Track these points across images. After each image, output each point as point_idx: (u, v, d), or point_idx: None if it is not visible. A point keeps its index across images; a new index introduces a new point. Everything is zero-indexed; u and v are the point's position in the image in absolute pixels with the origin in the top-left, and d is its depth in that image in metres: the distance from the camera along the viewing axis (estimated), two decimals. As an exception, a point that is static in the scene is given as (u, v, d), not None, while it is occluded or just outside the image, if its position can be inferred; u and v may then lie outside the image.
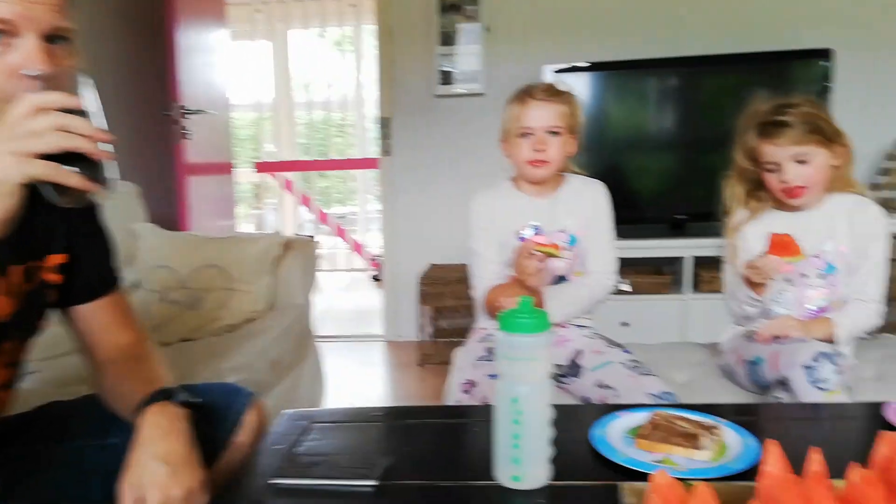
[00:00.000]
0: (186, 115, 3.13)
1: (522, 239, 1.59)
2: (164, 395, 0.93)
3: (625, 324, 2.86)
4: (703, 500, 0.64)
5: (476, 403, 1.39)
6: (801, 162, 1.46)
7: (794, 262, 1.46)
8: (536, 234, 1.59)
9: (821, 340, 1.41)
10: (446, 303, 3.04)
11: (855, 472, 0.65)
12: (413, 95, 3.36)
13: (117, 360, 1.04)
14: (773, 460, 0.70)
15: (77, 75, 0.82)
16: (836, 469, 0.70)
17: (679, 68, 3.01)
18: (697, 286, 2.89)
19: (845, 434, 1.06)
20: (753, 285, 1.50)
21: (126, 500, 0.82)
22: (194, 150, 3.23)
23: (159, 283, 2.02)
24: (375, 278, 4.74)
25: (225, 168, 3.73)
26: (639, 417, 1.03)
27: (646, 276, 2.95)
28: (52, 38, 0.83)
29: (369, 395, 2.88)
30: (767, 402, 1.43)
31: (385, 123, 3.40)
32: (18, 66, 0.80)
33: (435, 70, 3.28)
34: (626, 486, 0.81)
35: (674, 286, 2.95)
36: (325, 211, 5.60)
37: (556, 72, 2.88)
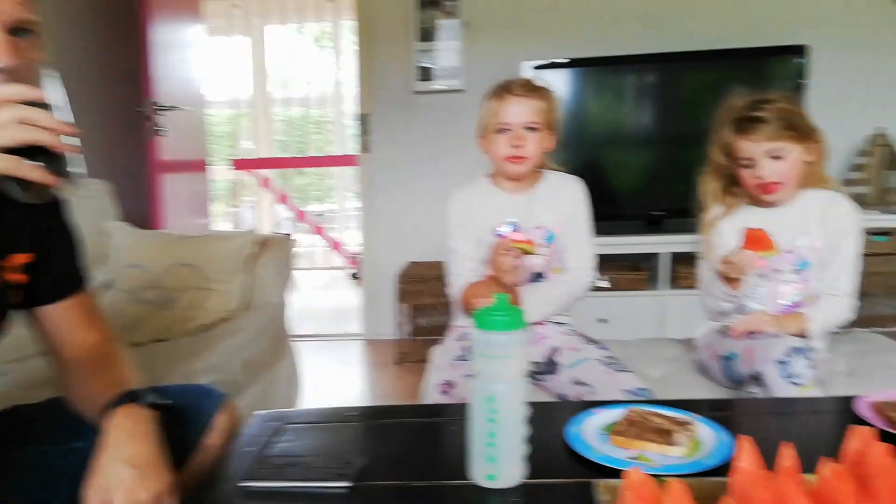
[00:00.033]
0: (160, 112, 3.08)
1: (500, 235, 1.58)
2: (131, 396, 0.91)
3: (602, 320, 2.87)
4: (676, 497, 0.64)
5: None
6: (776, 158, 1.47)
7: (768, 257, 1.47)
8: (514, 230, 1.58)
9: (794, 335, 1.42)
10: (425, 301, 3.03)
11: (826, 467, 0.65)
12: (392, 92, 3.34)
13: (84, 361, 1.01)
14: (746, 456, 0.70)
15: (41, 69, 0.80)
16: (809, 464, 0.70)
17: (656, 65, 3.02)
18: (674, 282, 2.91)
19: (818, 428, 1.07)
20: (729, 280, 1.51)
21: (92, 504, 0.80)
22: (168, 147, 3.18)
23: (131, 283, 1.98)
24: (354, 276, 4.71)
25: (200, 165, 3.69)
26: (614, 414, 1.03)
27: (623, 272, 2.96)
28: (16, 30, 0.81)
29: (346, 395, 2.86)
30: (741, 397, 1.44)
31: (364, 120, 3.38)
32: None
33: (414, 66, 3.26)
34: (601, 484, 0.81)
35: (651, 282, 2.97)
36: (303, 209, 5.56)
37: (536, 68, 2.88)
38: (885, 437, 0.82)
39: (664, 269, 2.91)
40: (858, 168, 3.03)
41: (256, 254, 2.13)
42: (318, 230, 5.41)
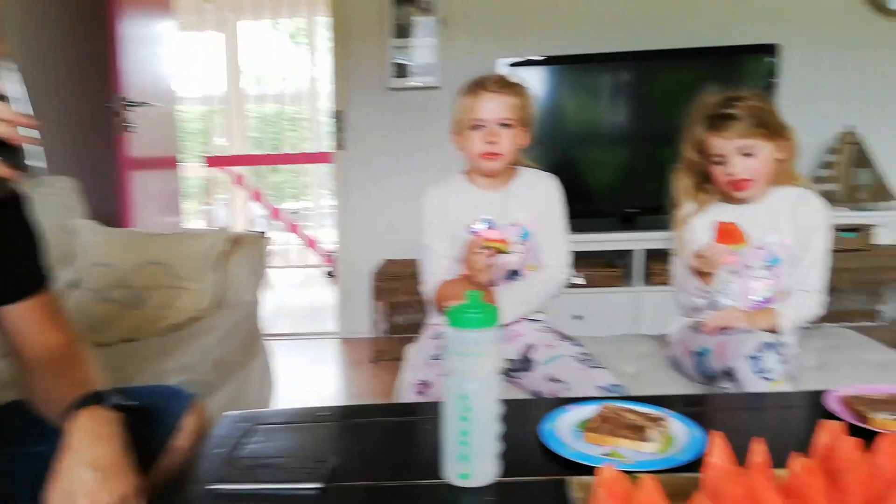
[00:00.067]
0: (129, 108, 3.03)
1: (474, 232, 1.58)
2: (95, 398, 0.89)
3: (578, 317, 2.88)
4: (648, 494, 0.64)
5: None
6: (747, 155, 1.49)
7: (739, 250, 1.48)
8: (489, 227, 1.58)
9: (765, 331, 1.44)
10: (400, 298, 3.01)
11: (796, 462, 0.65)
12: (367, 88, 3.31)
13: (46, 362, 0.98)
14: (718, 452, 0.70)
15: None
16: (780, 458, 0.71)
17: (631, 63, 3.04)
18: (648, 279, 2.93)
19: (789, 423, 1.08)
20: (702, 275, 1.52)
21: (54, 509, 0.78)
22: (138, 143, 3.12)
23: (99, 282, 1.94)
24: (329, 274, 4.68)
25: (171, 162, 3.63)
26: (588, 410, 1.02)
27: (598, 269, 2.98)
28: None
29: (322, 394, 2.84)
30: (714, 393, 1.45)
31: (339, 117, 3.35)
32: None
33: (389, 63, 3.24)
34: (574, 481, 0.81)
35: (625, 279, 2.98)
36: (277, 206, 5.50)
37: (511, 65, 2.88)
38: (854, 431, 0.83)
39: (638, 265, 2.93)
40: (828, 166, 3.08)
41: (228, 252, 2.10)
42: (293, 228, 5.36)
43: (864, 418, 0.96)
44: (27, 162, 0.75)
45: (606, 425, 0.95)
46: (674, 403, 1.04)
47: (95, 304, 1.89)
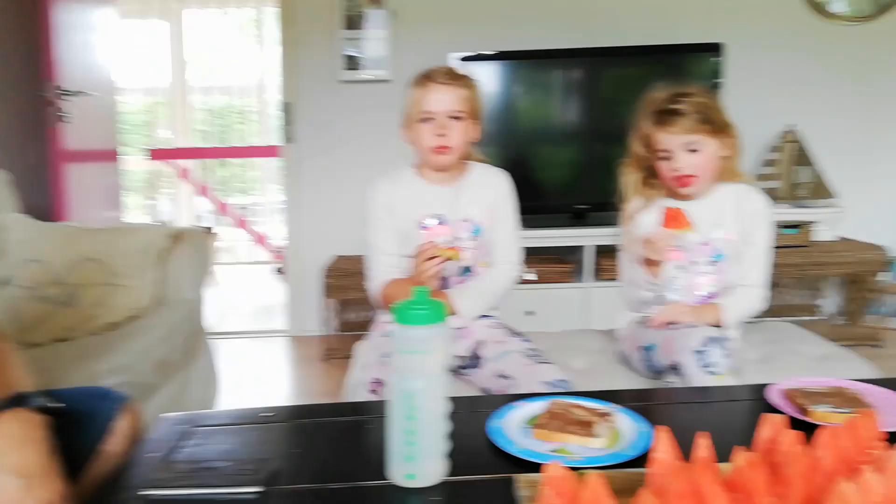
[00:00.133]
0: (64, 97, 2.89)
1: (424, 228, 1.56)
2: (17, 400, 0.84)
3: (530, 312, 2.89)
4: (594, 491, 0.63)
5: None
6: (692, 151, 1.50)
7: (685, 234, 1.50)
8: (440, 223, 1.56)
9: (710, 325, 1.46)
10: (352, 295, 2.97)
11: (739, 456, 0.65)
12: (317, 80, 3.25)
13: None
14: (663, 447, 0.70)
15: None
16: (725, 452, 0.71)
17: (581, 59, 3.06)
18: (598, 274, 2.96)
19: (733, 416, 1.09)
20: (649, 265, 1.52)
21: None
22: (74, 134, 2.99)
23: (30, 279, 1.85)
24: (279, 271, 4.59)
25: (110, 155, 3.49)
26: (536, 407, 1.02)
27: (549, 265, 2.99)
28: None
29: (270, 395, 2.77)
30: (661, 387, 1.46)
31: (287, 109, 3.28)
32: None
33: (340, 55, 3.19)
34: (521, 479, 0.79)
35: (576, 275, 3.01)
36: (225, 201, 5.37)
37: (462, 59, 2.87)
38: (795, 424, 0.84)
39: (589, 261, 2.96)
40: (770, 164, 3.16)
41: (169, 248, 2.02)
42: (242, 223, 5.24)
43: (804, 411, 0.98)
44: None
45: (554, 421, 0.95)
46: (621, 398, 1.05)
47: (27, 302, 1.80)
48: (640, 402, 1.05)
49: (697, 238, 1.56)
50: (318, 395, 2.71)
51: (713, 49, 2.94)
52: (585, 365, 1.65)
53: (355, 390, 1.46)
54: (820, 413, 0.96)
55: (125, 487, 0.85)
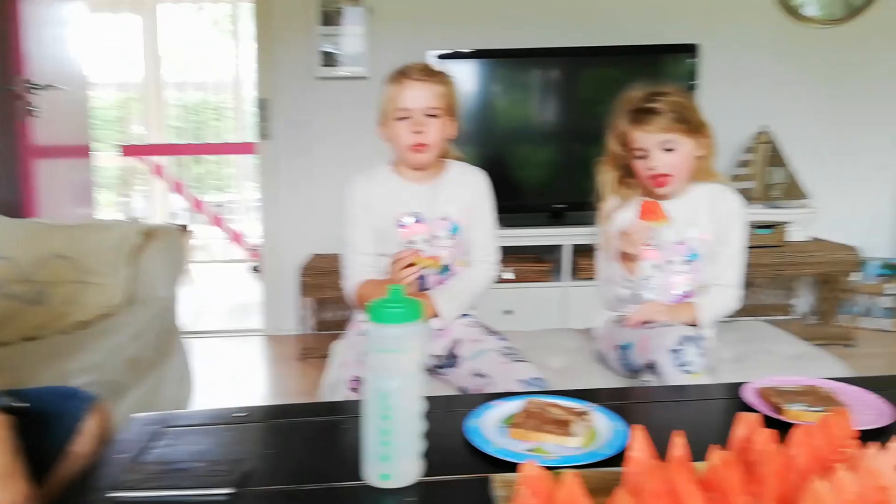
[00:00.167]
0: (33, 91, 2.83)
1: (402, 226, 1.55)
2: (-20, 401, 0.81)
3: (508, 312, 2.89)
4: (570, 490, 0.63)
5: None
6: (668, 150, 1.51)
7: (661, 227, 1.50)
8: (417, 221, 1.55)
9: (686, 324, 1.47)
10: (329, 294, 2.94)
11: (714, 455, 0.65)
12: (293, 77, 3.22)
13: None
14: (638, 445, 0.70)
15: None
16: (700, 450, 0.71)
17: (558, 58, 3.07)
18: (576, 274, 2.97)
19: (708, 415, 1.10)
20: (625, 260, 1.53)
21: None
22: (44, 129, 2.93)
23: (-3, 276, 1.80)
24: (255, 269, 4.54)
25: (82, 150, 3.42)
26: (513, 406, 1.01)
27: (527, 264, 3.00)
28: None
29: (245, 394, 2.74)
30: (637, 386, 1.47)
31: (263, 105, 3.24)
32: None
33: (316, 51, 3.16)
34: (497, 478, 0.79)
35: (554, 274, 3.02)
36: (201, 198, 5.29)
37: (439, 57, 2.86)
38: (770, 422, 0.85)
39: (566, 261, 2.97)
40: (744, 164, 3.20)
41: (141, 245, 1.99)
42: (217, 221, 5.18)
43: (779, 410, 0.99)
44: None
45: (531, 420, 0.94)
46: (598, 397, 1.05)
47: (-7, 300, 1.76)
48: (617, 401, 1.05)
49: (673, 237, 1.57)
50: (294, 395, 2.68)
51: (689, 50, 2.97)
52: (562, 364, 1.65)
53: (332, 390, 1.45)
54: (794, 412, 0.97)
55: (93, 489, 0.83)
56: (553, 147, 3.15)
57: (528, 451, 0.89)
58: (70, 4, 3.24)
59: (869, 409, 1.00)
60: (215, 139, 5.52)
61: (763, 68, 3.30)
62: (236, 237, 5.15)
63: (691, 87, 2.92)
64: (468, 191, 1.60)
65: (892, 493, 0.62)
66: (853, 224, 3.36)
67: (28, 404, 0.87)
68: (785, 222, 3.10)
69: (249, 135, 4.90)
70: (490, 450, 0.88)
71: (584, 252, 2.87)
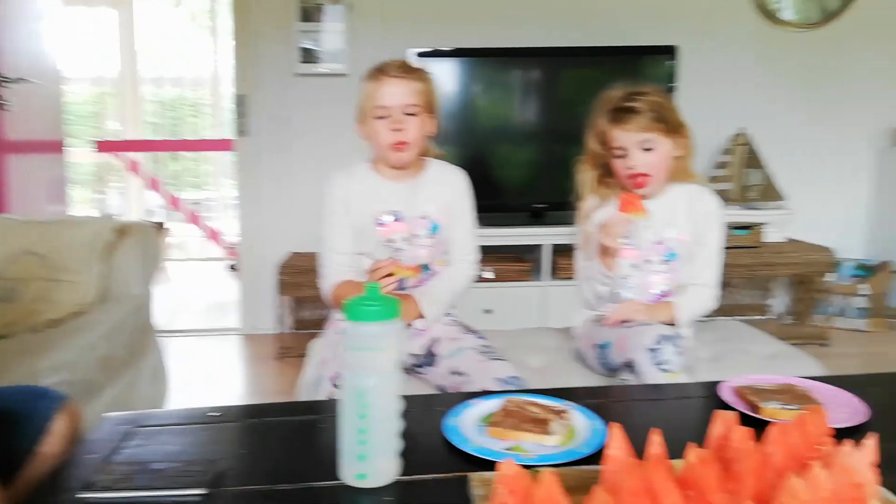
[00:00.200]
0: (5, 84, 2.77)
1: (381, 224, 1.54)
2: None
3: (488, 311, 2.89)
4: (547, 489, 0.62)
5: None
6: (647, 150, 1.52)
7: (640, 219, 1.51)
8: (396, 220, 1.54)
9: (663, 323, 1.47)
10: (307, 293, 2.92)
11: (692, 453, 0.65)
12: (272, 73, 3.19)
13: None
14: (616, 444, 0.70)
15: None
16: (679, 448, 0.71)
17: (539, 58, 3.08)
18: (555, 273, 2.98)
19: (686, 413, 1.10)
20: (604, 254, 1.53)
21: None
22: (15, 123, 2.87)
23: (-34, 273, 1.76)
24: (232, 268, 4.50)
25: (55, 146, 3.36)
26: (492, 405, 1.01)
27: (507, 263, 3.00)
28: None
29: (222, 394, 2.71)
30: (615, 385, 1.47)
31: (241, 101, 3.20)
32: None
33: (296, 47, 3.13)
34: (475, 477, 0.78)
35: (534, 273, 3.02)
36: (178, 196, 5.23)
37: (419, 55, 2.85)
38: (746, 420, 0.85)
39: (546, 260, 2.97)
40: (722, 166, 3.23)
41: (115, 242, 1.95)
42: (194, 219, 5.12)
43: (755, 408, 0.99)
44: None
45: (509, 419, 0.94)
46: (576, 396, 1.05)
47: (-39, 297, 1.72)
48: (595, 400, 1.05)
49: (651, 237, 1.57)
50: (271, 395, 2.66)
51: (668, 52, 2.99)
52: (541, 363, 1.66)
53: (310, 389, 1.43)
54: (770, 410, 0.98)
55: (63, 490, 0.82)
56: (533, 147, 3.16)
57: (507, 449, 0.88)
58: (44, -4, 3.18)
59: (843, 408, 1.01)
60: (193, 136, 5.45)
61: (741, 71, 3.34)
62: (213, 235, 5.09)
63: (670, 89, 2.94)
64: (448, 189, 1.60)
65: (867, 490, 0.63)
66: (827, 225, 3.42)
67: (-6, 404, 0.85)
68: (761, 223, 3.13)
69: (227, 131, 4.85)
70: (468, 448, 0.88)
71: (563, 252, 2.88)
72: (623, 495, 0.62)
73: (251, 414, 1.11)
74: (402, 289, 1.54)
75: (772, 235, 3.16)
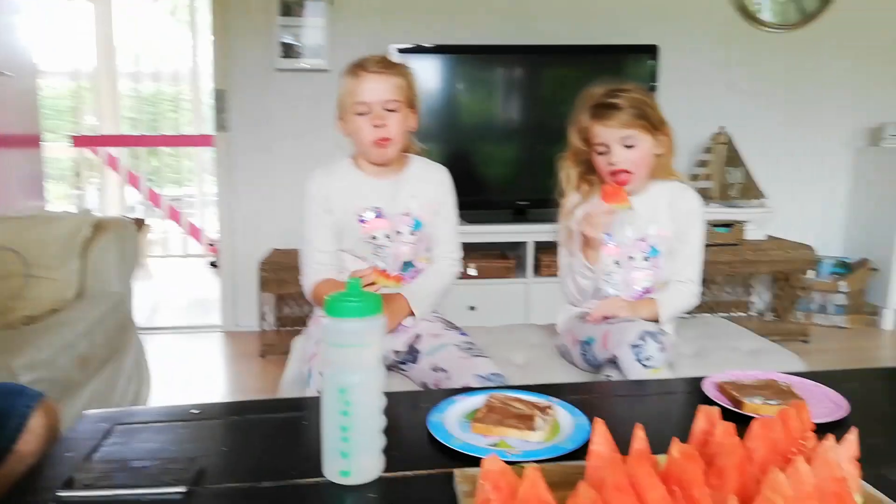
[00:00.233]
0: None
1: (363, 221, 1.53)
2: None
3: (472, 308, 2.89)
4: (532, 484, 0.62)
5: None
6: (629, 147, 1.52)
7: (622, 209, 1.51)
8: (377, 217, 1.53)
9: (646, 320, 1.48)
10: (289, 289, 2.91)
11: (675, 447, 0.66)
12: (252, 68, 3.16)
13: None
14: (600, 439, 0.70)
15: None
16: (663, 443, 0.71)
17: (520, 55, 3.08)
18: (539, 270, 2.98)
19: (669, 409, 1.11)
20: (587, 247, 1.53)
21: None
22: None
23: (-61, 269, 1.73)
24: (212, 265, 4.46)
25: (32, 141, 3.30)
26: (476, 401, 1.01)
27: (491, 260, 3.00)
28: None
29: (204, 392, 2.68)
30: (599, 381, 1.48)
31: (220, 96, 3.17)
32: None
33: (276, 42, 3.11)
34: (459, 473, 0.78)
35: (517, 270, 3.03)
36: (158, 192, 5.16)
37: (400, 51, 2.84)
38: (729, 416, 0.86)
39: (530, 257, 2.98)
40: (703, 164, 3.26)
41: (93, 238, 1.92)
42: (174, 215, 5.06)
43: (738, 403, 1.00)
44: None
45: (493, 415, 0.94)
46: (561, 392, 1.05)
47: (-66, 294, 1.69)
48: (579, 396, 1.05)
49: (633, 234, 1.58)
50: (253, 392, 2.64)
51: (650, 51, 3.00)
52: (526, 359, 1.66)
53: (293, 387, 1.42)
54: (753, 405, 0.98)
55: (40, 488, 0.80)
56: (516, 144, 3.16)
57: (491, 445, 0.88)
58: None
59: (824, 403, 1.02)
60: (173, 131, 5.38)
61: (721, 71, 3.37)
62: (194, 231, 5.04)
63: (651, 88, 2.96)
64: (431, 187, 1.59)
65: (849, 484, 0.63)
66: (807, 223, 3.46)
67: (-31, 402, 0.83)
68: (742, 221, 3.16)
69: (208, 127, 4.80)
70: (453, 444, 0.87)
71: (546, 249, 2.89)
72: (607, 490, 0.62)
73: (233, 411, 1.09)
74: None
75: (752, 233, 3.19)
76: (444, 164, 1.64)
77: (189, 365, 2.97)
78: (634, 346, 1.37)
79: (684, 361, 1.58)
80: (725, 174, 3.21)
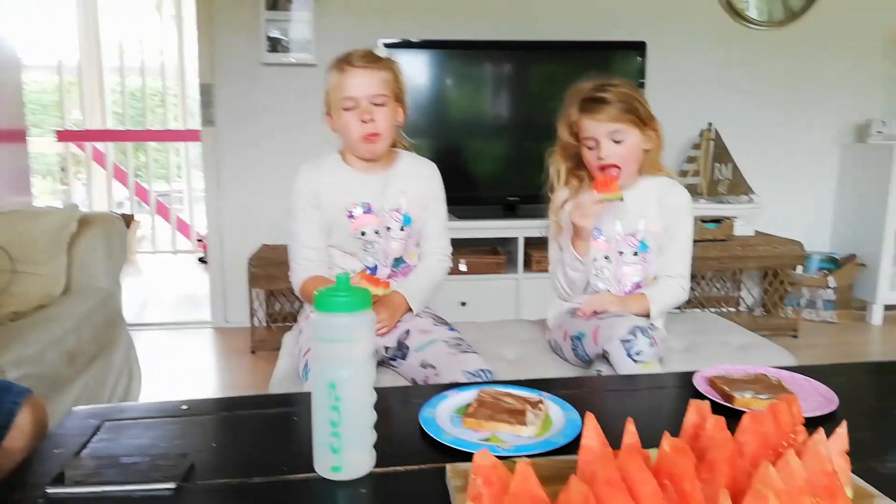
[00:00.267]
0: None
1: (351, 216, 1.52)
2: None
3: (463, 303, 2.89)
4: (523, 479, 0.62)
5: None
6: (617, 141, 1.52)
7: (613, 200, 1.51)
8: (366, 212, 1.53)
9: (636, 315, 1.49)
10: (278, 285, 2.90)
11: (666, 441, 0.66)
12: (239, 62, 3.14)
13: None
14: (591, 433, 0.70)
15: None
16: (654, 437, 0.71)
17: (509, 51, 3.08)
18: (529, 265, 2.99)
19: (660, 403, 1.11)
20: (577, 237, 1.54)
21: None
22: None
23: (-76, 265, 1.71)
24: (201, 260, 4.44)
25: (16, 135, 3.26)
26: (467, 396, 1.01)
27: (481, 256, 3.00)
28: None
29: (194, 388, 2.67)
30: (590, 375, 1.48)
31: (206, 91, 3.15)
32: None
33: (263, 36, 3.09)
34: (451, 468, 0.78)
35: (508, 266, 3.03)
36: (145, 187, 5.12)
37: (387, 46, 2.83)
38: (720, 410, 0.86)
39: (520, 252, 2.98)
40: (691, 160, 3.27)
41: (80, 233, 1.90)
42: (163, 211, 5.03)
43: (729, 398, 1.01)
44: None
45: (484, 410, 0.94)
46: (551, 387, 1.05)
47: (-81, 290, 1.66)
48: (570, 390, 1.06)
49: (623, 229, 1.58)
50: (244, 389, 2.63)
51: (638, 48, 3.01)
52: (517, 354, 1.66)
53: (284, 383, 1.42)
54: (743, 399, 0.99)
55: (30, 485, 0.79)
56: (505, 140, 3.16)
57: (483, 440, 0.88)
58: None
59: (814, 397, 1.03)
60: (160, 126, 5.33)
61: (709, 67, 3.38)
62: (183, 227, 5.01)
63: (640, 85, 2.97)
64: (420, 182, 1.59)
65: (840, 477, 0.64)
66: (795, 219, 3.48)
67: (-45, 398, 0.82)
68: (731, 217, 3.18)
69: (195, 122, 4.76)
70: (444, 439, 0.87)
71: (537, 244, 2.89)
72: (598, 484, 0.62)
73: (223, 407, 1.09)
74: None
75: (741, 229, 3.21)
76: (433, 161, 1.63)
77: (179, 361, 2.96)
78: (625, 341, 1.38)
79: (674, 356, 1.59)
80: (714, 170, 3.22)
